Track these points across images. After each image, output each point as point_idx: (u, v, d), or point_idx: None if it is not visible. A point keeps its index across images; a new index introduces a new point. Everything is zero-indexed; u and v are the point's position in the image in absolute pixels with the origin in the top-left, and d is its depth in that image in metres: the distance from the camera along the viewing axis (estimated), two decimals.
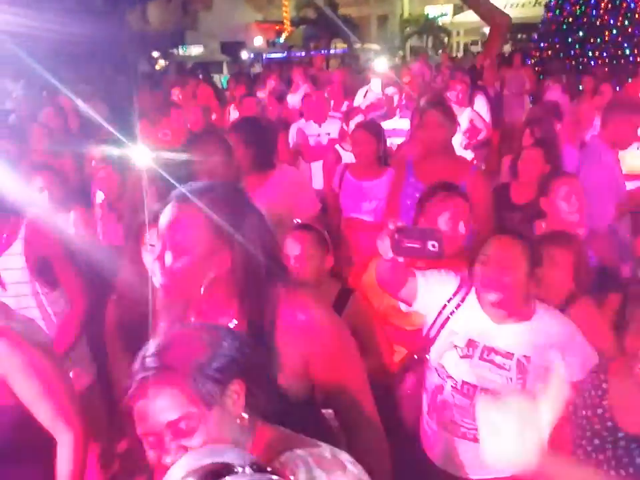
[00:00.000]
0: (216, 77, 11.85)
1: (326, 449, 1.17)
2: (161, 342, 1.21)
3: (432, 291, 1.94)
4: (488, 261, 1.83)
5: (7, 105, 7.32)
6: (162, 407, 1.13)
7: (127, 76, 9.23)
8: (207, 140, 2.84)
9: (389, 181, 3.49)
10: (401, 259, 1.78)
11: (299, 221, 2.58)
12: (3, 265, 2.53)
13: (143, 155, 4.22)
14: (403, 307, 2.03)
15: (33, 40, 9.80)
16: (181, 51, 12.53)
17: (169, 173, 3.30)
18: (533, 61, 10.30)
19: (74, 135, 5.36)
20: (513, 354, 1.86)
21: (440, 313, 1.95)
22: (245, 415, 1.18)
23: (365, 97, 6.35)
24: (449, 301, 1.94)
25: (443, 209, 2.32)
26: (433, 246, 1.68)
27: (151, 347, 1.20)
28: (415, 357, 2.09)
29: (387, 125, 4.64)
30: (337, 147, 4.69)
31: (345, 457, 1.17)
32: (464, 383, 1.89)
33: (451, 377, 1.92)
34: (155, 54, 11.79)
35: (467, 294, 1.93)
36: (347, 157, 4.32)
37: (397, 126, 5.00)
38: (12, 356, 1.75)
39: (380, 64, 6.96)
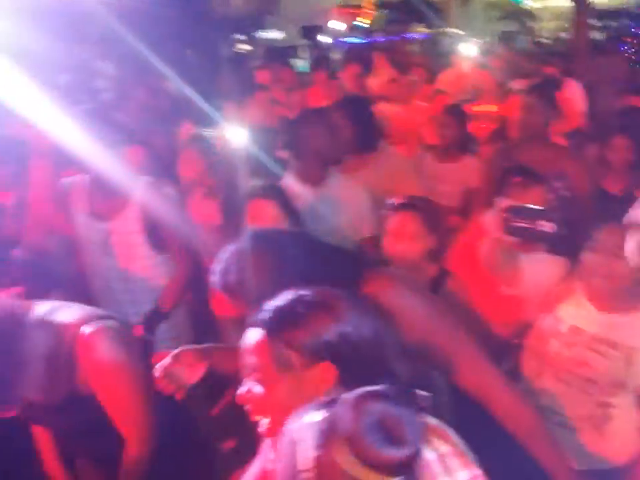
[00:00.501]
0: (296, 62, 11.91)
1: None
2: (275, 302, 1.25)
3: (537, 275, 1.91)
4: (597, 248, 1.78)
5: (99, 84, 7.59)
6: (250, 352, 1.21)
7: (210, 58, 9.42)
8: (314, 119, 2.88)
9: (468, 166, 3.48)
10: (510, 239, 1.75)
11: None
12: (120, 227, 2.70)
13: (232, 135, 4.33)
14: (506, 289, 2.00)
15: (121, 20, 10.16)
16: (261, 35, 12.64)
17: (260, 153, 3.39)
18: (626, 47, 9.83)
19: (164, 114, 5.53)
20: (618, 344, 1.81)
21: (544, 297, 1.91)
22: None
23: (450, 80, 6.24)
24: (554, 286, 1.90)
25: (519, 195, 2.20)
26: (545, 226, 1.64)
27: (268, 305, 1.25)
28: (515, 342, 2.06)
29: (474, 109, 4.58)
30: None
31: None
32: (565, 370, 1.86)
33: (551, 365, 1.88)
34: (237, 37, 11.96)
35: (572, 280, 1.89)
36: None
37: (484, 110, 4.91)
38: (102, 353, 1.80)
39: (466, 48, 6.82)
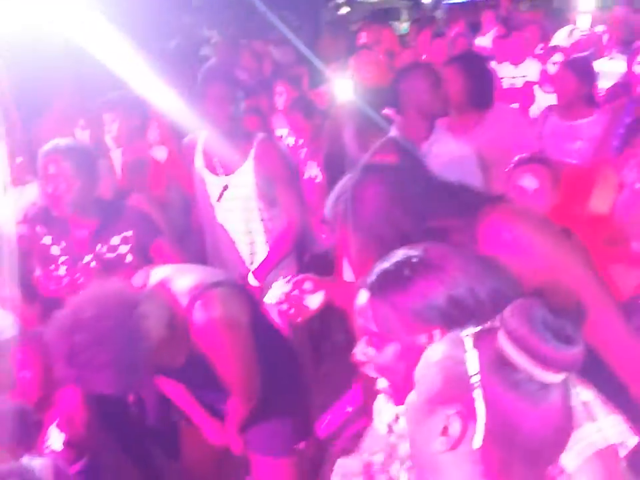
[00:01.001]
0: (397, 24, 11.65)
1: None
2: (382, 263, 1.19)
3: None
4: None
5: (205, 51, 7.75)
6: (360, 314, 1.17)
7: (311, 21, 9.38)
8: (417, 73, 2.78)
9: (597, 122, 3.26)
10: None
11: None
12: (236, 181, 2.79)
13: (334, 95, 4.28)
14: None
15: None
16: None
17: (365, 112, 3.33)
18: None
19: (267, 79, 5.58)
20: None
21: None
22: None
23: (569, 35, 5.86)
24: None
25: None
26: None
27: (376, 266, 1.19)
28: None
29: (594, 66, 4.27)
30: (536, 89, 4.41)
31: None
32: None
33: None
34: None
35: None
36: (548, 100, 4.08)
37: (606, 68, 4.56)
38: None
39: (584, 3, 6.37)
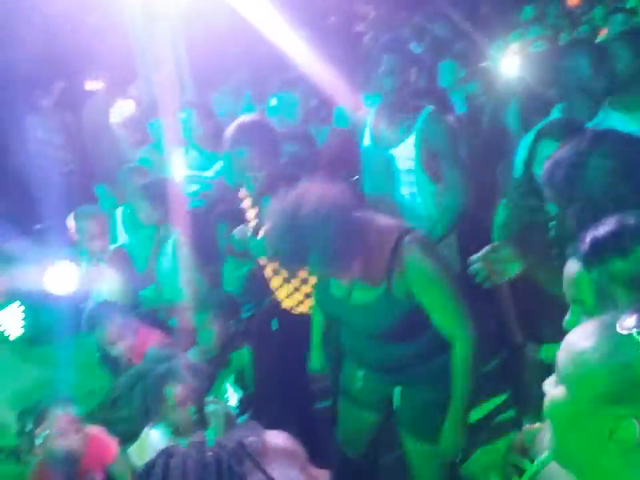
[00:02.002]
0: None
1: None
2: (596, 231, 1.17)
3: None
4: None
5: (360, 28, 7.78)
6: (570, 284, 1.19)
7: None
8: (581, 49, 2.67)
9: None
10: None
11: None
12: (400, 153, 2.82)
13: (501, 70, 4.14)
14: None
15: None
16: None
17: (533, 88, 3.22)
18: None
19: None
20: None
21: None
22: None
23: None
24: None
25: None
26: None
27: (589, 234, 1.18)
28: None
29: None
30: None
31: None
32: None
33: None
34: None
35: None
36: None
37: None
38: (421, 262, 1.91)
39: None
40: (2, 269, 4.24)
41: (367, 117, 2.99)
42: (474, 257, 1.80)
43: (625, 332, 0.83)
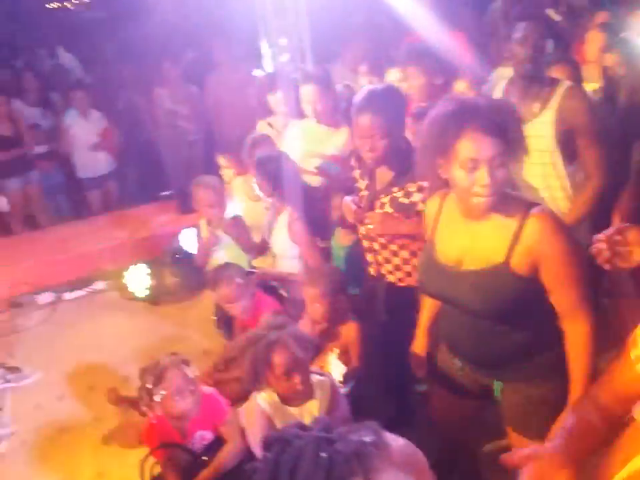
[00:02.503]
0: None
1: None
2: None
3: None
4: None
5: None
6: None
7: None
8: None
9: None
10: None
11: None
12: (534, 131, 2.65)
13: None
14: None
15: None
16: None
17: None
18: None
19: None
20: None
21: None
22: None
23: None
24: None
25: None
26: None
27: None
28: None
29: None
30: None
31: None
32: None
33: None
34: None
35: None
36: None
37: None
38: (552, 236, 1.80)
39: None
40: None
41: (495, 90, 2.86)
42: (598, 235, 1.67)
43: None
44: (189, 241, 4.17)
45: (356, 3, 5.27)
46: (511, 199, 1.86)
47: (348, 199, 2.73)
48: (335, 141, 3.63)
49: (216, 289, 3.15)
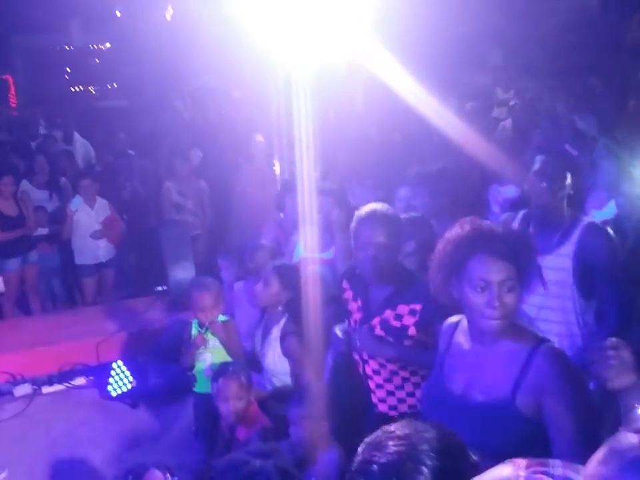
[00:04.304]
0: None
1: None
2: None
3: None
4: None
5: (496, 113, 7.65)
6: None
7: (616, 87, 8.65)
8: None
9: None
10: None
11: None
12: (551, 263, 2.62)
13: None
14: None
15: (527, 51, 10.07)
16: None
17: None
18: None
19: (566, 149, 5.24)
20: None
21: None
22: None
23: None
24: None
25: None
26: None
27: None
28: None
29: None
30: None
31: None
32: None
33: None
34: None
35: None
36: None
37: None
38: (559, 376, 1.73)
39: None
40: None
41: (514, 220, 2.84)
42: (590, 354, 1.66)
43: None
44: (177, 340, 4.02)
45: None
46: (523, 331, 1.84)
47: (339, 329, 2.62)
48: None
49: (218, 382, 3.01)
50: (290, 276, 3.20)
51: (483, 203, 4.39)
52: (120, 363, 4.16)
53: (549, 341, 1.83)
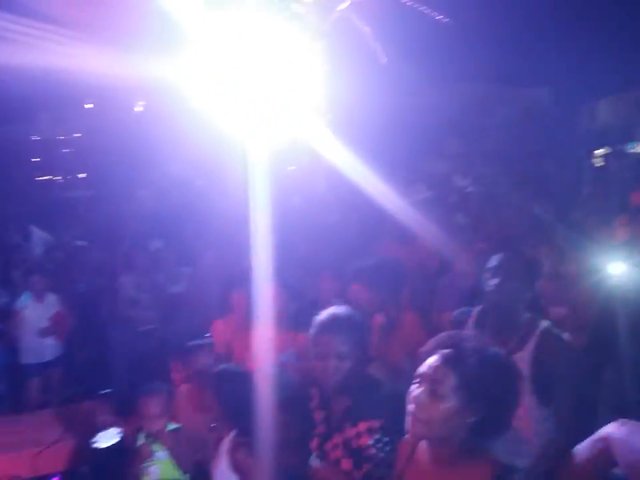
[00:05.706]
0: None
1: None
2: None
3: None
4: None
5: (453, 199, 7.73)
6: None
7: (572, 172, 8.92)
8: None
9: None
10: None
11: None
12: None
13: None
14: None
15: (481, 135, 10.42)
16: (630, 148, 11.69)
17: None
18: None
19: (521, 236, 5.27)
20: None
21: None
22: None
23: None
24: None
25: None
26: None
27: None
28: None
29: None
30: None
31: None
32: None
33: None
34: (601, 151, 11.24)
35: None
36: None
37: None
38: None
39: None
40: None
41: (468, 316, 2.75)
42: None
43: None
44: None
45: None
46: (480, 450, 1.75)
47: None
48: None
49: None
50: (234, 383, 2.97)
51: (440, 293, 4.33)
52: (56, 477, 3.82)
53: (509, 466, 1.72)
